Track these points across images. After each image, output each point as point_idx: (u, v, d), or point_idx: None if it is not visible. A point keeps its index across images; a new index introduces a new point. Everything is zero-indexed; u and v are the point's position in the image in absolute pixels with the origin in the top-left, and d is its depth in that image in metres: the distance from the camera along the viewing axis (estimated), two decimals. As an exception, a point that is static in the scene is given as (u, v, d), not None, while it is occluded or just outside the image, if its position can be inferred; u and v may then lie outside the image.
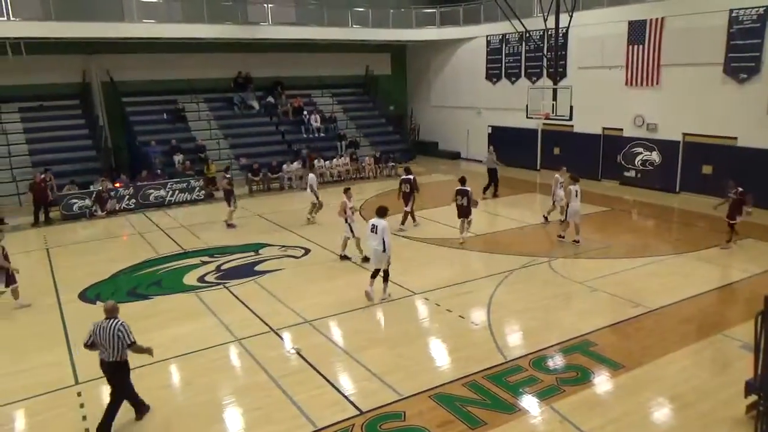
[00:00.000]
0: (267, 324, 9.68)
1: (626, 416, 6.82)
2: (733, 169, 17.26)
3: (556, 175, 15.25)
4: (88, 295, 11.34)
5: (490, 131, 26.16)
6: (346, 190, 13.30)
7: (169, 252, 14.08)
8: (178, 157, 21.72)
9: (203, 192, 20.24)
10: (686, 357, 8.23)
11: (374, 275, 10.52)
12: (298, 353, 8.62)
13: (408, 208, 15.53)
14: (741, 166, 17.01)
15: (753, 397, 6.38)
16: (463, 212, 14.05)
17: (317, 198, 16.42)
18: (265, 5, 23.67)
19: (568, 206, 13.64)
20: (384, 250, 10.30)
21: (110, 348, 6.58)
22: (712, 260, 12.48)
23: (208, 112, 25.13)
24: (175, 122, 23.96)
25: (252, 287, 11.46)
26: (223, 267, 12.72)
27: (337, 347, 8.94)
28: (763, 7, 16.12)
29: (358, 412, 7.01)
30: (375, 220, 10.46)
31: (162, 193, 19.44)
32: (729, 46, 17.09)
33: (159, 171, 20.46)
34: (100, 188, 18.41)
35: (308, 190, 16.61)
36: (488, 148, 18.19)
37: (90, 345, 6.72)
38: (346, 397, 7.41)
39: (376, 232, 10.33)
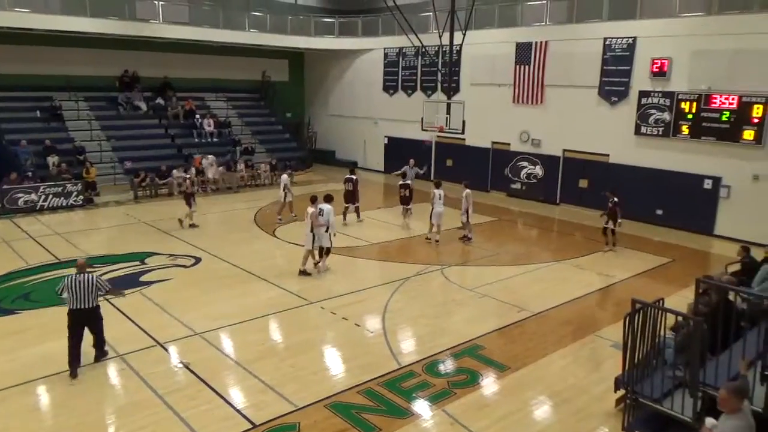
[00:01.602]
0: (153, 337, 9.12)
1: (511, 415, 7.18)
2: (605, 183, 18.88)
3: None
4: (-60, 311, 10.06)
5: (386, 142, 26.65)
6: (314, 200, 12.51)
7: (41, 262, 12.87)
8: (52, 159, 19.95)
9: (81, 197, 18.69)
10: (564, 357, 8.83)
11: (320, 253, 12.42)
12: (187, 367, 8.20)
13: (352, 205, 16.88)
14: (612, 180, 18.67)
15: (621, 392, 6.96)
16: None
17: (285, 199, 16.85)
18: (156, 2, 22.52)
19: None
20: (327, 230, 12.24)
21: (89, 296, 7.90)
22: (587, 267, 13.52)
23: (88, 111, 23.33)
24: (50, 121, 22.03)
25: (137, 299, 10.76)
26: (105, 277, 11.79)
27: (229, 359, 8.61)
28: (632, 37, 17.85)
29: (251, 426, 6.79)
30: (322, 205, 12.38)
31: (33, 197, 17.72)
32: (603, 71, 18.72)
33: (30, 173, 18.68)
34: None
35: (281, 189, 16.87)
36: (410, 161, 18.76)
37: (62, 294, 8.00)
38: (238, 410, 7.15)
39: (322, 215, 12.16)
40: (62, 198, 18.24)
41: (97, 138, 22.51)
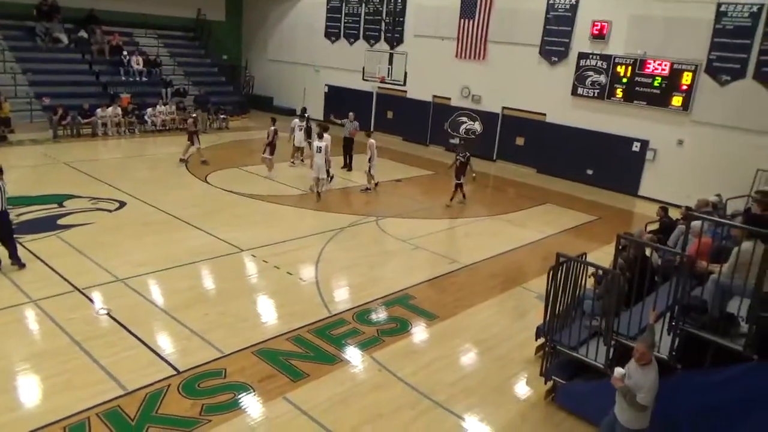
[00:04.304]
0: (71, 283, 8.67)
1: (437, 361, 7.38)
2: (541, 141, 19.35)
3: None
4: None
5: (326, 90, 26.03)
6: (321, 135, 14.15)
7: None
8: (-41, 91, 18.27)
9: (-6, 133, 17.31)
10: (491, 307, 9.12)
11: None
12: (108, 314, 7.88)
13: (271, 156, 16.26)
14: (548, 139, 19.11)
15: (542, 340, 7.26)
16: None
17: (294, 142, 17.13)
18: None
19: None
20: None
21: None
22: (517, 222, 13.89)
23: (1, 41, 21.37)
24: (-44, 48, 20.06)
25: (53, 242, 10.17)
26: (18, 220, 11.07)
27: (153, 306, 8.33)
28: (575, -3, 17.96)
29: (175, 372, 6.65)
30: (318, 142, 13.88)
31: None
32: (545, 30, 18.81)
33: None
34: None
35: (292, 133, 17.09)
36: (349, 115, 17.93)
37: None
38: (162, 357, 6.97)
39: (320, 151, 13.74)
40: (-29, 134, 16.82)
41: (11, 71, 20.67)
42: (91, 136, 19.44)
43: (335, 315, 8.36)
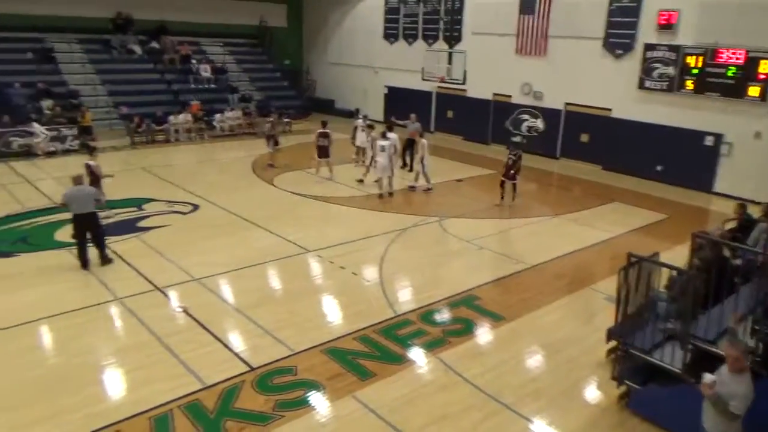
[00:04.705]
0: (151, 282, 9.20)
1: (504, 363, 7.33)
2: (606, 137, 18.77)
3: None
4: (-62, 253, 10.10)
5: (386, 92, 26.22)
6: (384, 134, 14.60)
7: (37, 206, 12.83)
8: (46, 102, 19.60)
9: (77, 142, 18.47)
10: (558, 308, 8.95)
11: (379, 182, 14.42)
12: (186, 312, 8.30)
13: (325, 159, 16.08)
14: (614, 135, 18.51)
15: (613, 343, 7.09)
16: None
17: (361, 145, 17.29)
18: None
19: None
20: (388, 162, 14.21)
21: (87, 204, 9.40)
22: (584, 221, 13.54)
23: (82, 54, 22.80)
24: (42, 63, 21.52)
25: (134, 244, 10.80)
26: (104, 222, 11.79)
27: (227, 305, 8.71)
28: (640, -12, 17.32)
29: (248, 369, 6.93)
30: (381, 141, 14.18)
31: (28, 141, 17.50)
32: (609, 22, 18.23)
33: (32, 117, 18.31)
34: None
35: (355, 133, 17.54)
36: (411, 116, 18.03)
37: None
38: (236, 354, 7.29)
39: (384, 150, 14.01)
40: (57, 142, 18.03)
41: (91, 82, 22.05)
42: (165, 142, 20.46)
43: (400, 315, 8.46)
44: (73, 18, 22.69)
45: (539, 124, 20.89)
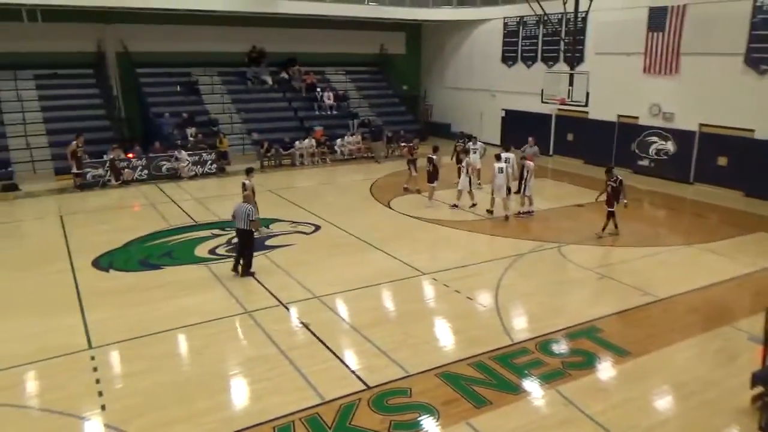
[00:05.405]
0: (276, 297, 9.78)
1: (630, 402, 6.87)
2: (749, 161, 17.13)
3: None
4: (101, 263, 11.48)
5: (503, 115, 25.96)
6: (498, 157, 15.08)
7: (181, 224, 14.18)
8: (190, 130, 21.72)
9: (215, 165, 20.24)
10: (693, 347, 8.25)
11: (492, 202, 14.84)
12: (307, 327, 8.72)
13: (433, 184, 16.13)
14: (758, 158, 16.86)
15: (759, 389, 6.40)
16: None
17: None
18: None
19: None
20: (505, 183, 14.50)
21: (242, 220, 10.47)
22: (722, 252, 12.40)
23: (221, 85, 25.05)
24: (188, 94, 23.93)
25: (262, 261, 11.55)
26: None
27: (345, 323, 9.03)
28: (789, -4, 15.80)
29: (365, 387, 7.11)
30: (498, 163, 14.57)
31: (174, 165, 19.45)
32: (751, 36, 16.77)
33: (179, 142, 20.44)
34: (112, 157, 18.50)
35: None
36: (528, 140, 17.51)
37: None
38: (353, 371, 7.51)
39: (501, 172, 14.34)
40: (198, 166, 19.85)
41: (228, 111, 24.12)
42: (290, 165, 21.75)
43: (517, 343, 8.25)
44: (214, 53, 25.03)
45: (669, 146, 19.56)
